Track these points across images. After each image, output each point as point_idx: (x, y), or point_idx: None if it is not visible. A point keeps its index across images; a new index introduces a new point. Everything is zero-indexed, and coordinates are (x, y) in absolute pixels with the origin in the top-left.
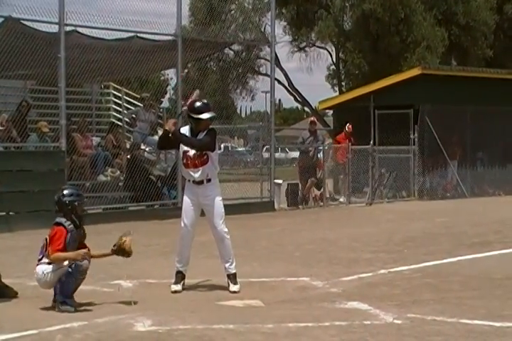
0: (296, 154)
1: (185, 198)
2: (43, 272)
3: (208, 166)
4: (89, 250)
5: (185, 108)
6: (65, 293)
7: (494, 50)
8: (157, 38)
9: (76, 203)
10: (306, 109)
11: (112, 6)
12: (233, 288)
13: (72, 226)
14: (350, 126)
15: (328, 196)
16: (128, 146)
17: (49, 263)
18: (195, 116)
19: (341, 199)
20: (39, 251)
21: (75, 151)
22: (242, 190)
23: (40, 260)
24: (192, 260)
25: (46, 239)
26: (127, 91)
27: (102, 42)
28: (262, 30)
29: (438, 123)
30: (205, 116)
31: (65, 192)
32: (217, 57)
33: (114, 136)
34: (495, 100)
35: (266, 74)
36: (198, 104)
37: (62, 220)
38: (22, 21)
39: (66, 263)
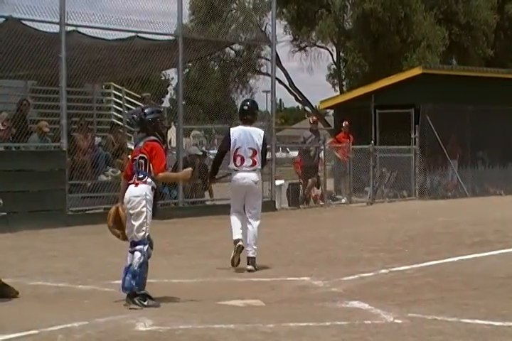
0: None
1: None
2: (145, 193)
3: None
4: None
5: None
6: (142, 286)
7: (495, 49)
8: (158, 37)
9: (158, 120)
10: (307, 108)
11: (112, 6)
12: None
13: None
14: (346, 123)
15: (326, 196)
16: (129, 146)
17: (152, 188)
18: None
19: (343, 200)
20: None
21: (76, 151)
22: None
23: (141, 179)
24: (192, 260)
25: (142, 157)
26: (128, 91)
27: (103, 42)
28: (263, 29)
29: (439, 122)
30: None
31: (146, 110)
32: (218, 57)
33: (114, 135)
34: (495, 99)
35: (266, 74)
36: (245, 106)
37: (157, 138)
38: (23, 21)
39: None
